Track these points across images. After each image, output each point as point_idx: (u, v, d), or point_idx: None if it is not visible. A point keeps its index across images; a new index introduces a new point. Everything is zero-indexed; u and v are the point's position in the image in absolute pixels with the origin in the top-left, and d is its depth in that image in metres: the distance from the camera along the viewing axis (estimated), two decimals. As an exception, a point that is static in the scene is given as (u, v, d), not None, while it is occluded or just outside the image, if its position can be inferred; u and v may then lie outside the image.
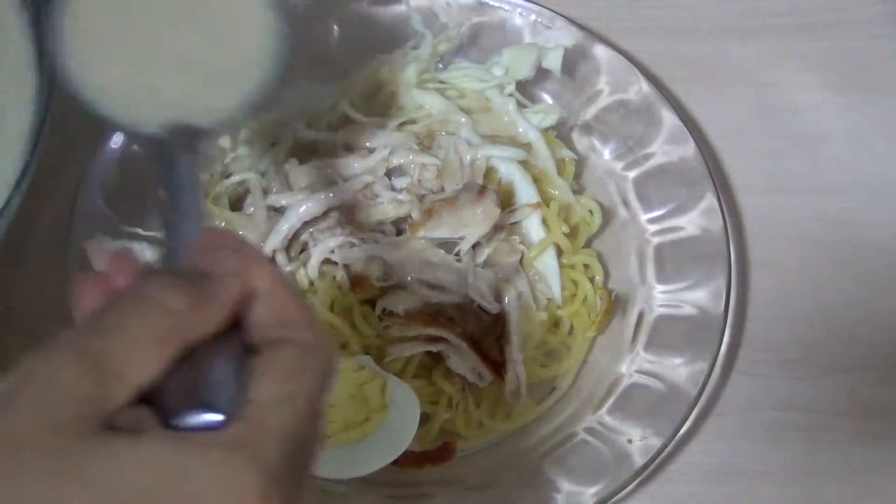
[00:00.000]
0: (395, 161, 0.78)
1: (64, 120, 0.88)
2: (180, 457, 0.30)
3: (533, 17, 0.84)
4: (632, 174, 0.83)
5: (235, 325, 0.36)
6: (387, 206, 0.76)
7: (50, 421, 0.29)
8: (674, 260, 0.78)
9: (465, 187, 0.74)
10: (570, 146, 0.84)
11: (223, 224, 0.75)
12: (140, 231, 0.79)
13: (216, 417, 0.33)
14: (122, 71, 0.42)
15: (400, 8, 0.86)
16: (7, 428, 0.29)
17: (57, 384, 0.30)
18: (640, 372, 0.75)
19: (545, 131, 0.82)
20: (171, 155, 0.39)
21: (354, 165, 0.78)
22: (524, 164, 0.79)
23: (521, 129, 0.81)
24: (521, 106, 0.82)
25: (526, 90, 0.85)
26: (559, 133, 0.84)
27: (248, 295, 0.36)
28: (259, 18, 0.44)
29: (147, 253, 0.77)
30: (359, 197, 0.76)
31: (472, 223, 0.73)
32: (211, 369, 0.34)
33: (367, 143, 0.79)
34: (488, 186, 0.74)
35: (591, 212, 0.80)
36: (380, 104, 0.82)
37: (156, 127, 0.41)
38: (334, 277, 0.75)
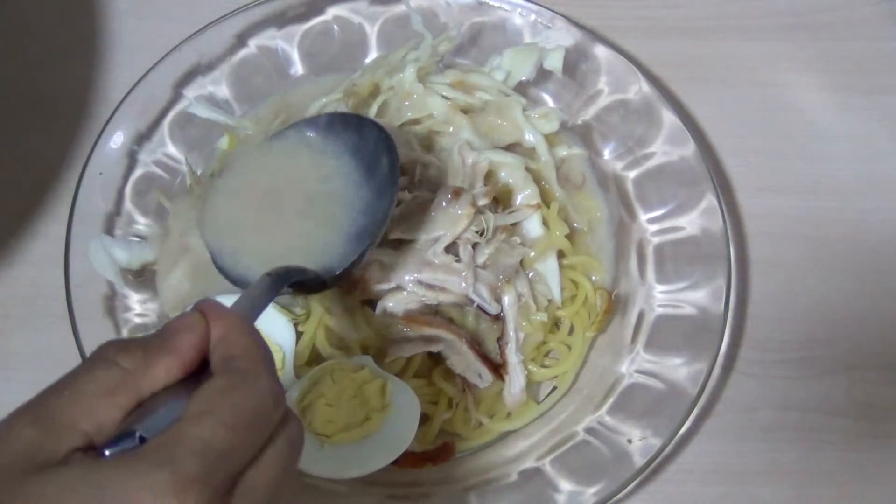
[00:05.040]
0: (395, 161, 0.78)
1: (64, 120, 0.88)
2: (94, 474, 0.37)
3: (533, 17, 0.84)
4: (632, 174, 0.83)
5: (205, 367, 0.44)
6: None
7: None
8: (674, 260, 0.78)
9: (440, 190, 0.74)
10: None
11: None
12: (140, 231, 0.79)
13: (133, 441, 0.39)
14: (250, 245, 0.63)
15: (400, 8, 0.86)
16: None
17: (6, 438, 0.39)
18: (640, 372, 0.74)
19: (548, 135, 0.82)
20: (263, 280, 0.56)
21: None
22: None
23: (527, 136, 0.81)
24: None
25: (526, 91, 0.85)
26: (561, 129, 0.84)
27: (205, 344, 0.44)
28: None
29: (147, 253, 0.77)
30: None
31: (446, 224, 0.73)
32: (150, 406, 0.41)
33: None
34: (463, 188, 0.74)
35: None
36: (379, 105, 0.82)
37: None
38: (334, 278, 0.75)
